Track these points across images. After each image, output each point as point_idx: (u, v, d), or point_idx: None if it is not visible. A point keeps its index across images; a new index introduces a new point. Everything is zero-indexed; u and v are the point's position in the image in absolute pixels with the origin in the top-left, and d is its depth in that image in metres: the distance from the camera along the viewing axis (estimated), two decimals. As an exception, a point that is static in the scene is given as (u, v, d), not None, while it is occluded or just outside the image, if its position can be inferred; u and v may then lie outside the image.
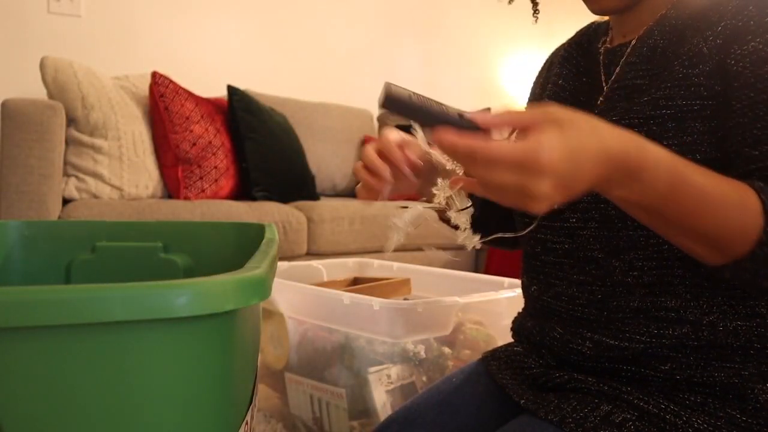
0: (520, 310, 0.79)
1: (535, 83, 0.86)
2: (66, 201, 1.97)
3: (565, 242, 0.67)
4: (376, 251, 2.39)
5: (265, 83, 2.89)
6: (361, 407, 1.10)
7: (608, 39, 0.74)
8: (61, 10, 2.53)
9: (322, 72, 3.28)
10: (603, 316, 0.63)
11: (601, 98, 0.69)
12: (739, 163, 0.56)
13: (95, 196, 2.03)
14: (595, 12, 0.69)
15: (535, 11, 0.80)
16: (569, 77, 0.75)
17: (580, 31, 0.82)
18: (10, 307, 0.33)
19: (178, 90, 2.27)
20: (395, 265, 1.56)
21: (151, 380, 0.38)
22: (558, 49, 0.84)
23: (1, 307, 0.33)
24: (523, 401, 0.67)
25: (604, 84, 0.70)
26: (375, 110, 3.34)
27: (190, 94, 2.32)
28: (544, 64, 0.86)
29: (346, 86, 3.33)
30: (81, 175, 2.02)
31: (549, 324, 0.69)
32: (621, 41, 0.71)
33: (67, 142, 2.01)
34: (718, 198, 0.51)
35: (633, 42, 0.68)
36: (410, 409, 0.76)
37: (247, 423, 0.48)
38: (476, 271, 2.66)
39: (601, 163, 0.47)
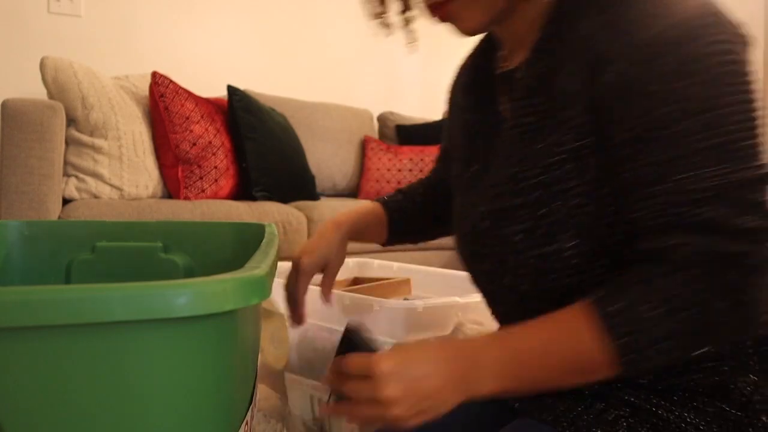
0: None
1: (447, 108, 0.85)
2: (66, 201, 1.97)
3: (507, 296, 0.67)
4: (376, 251, 2.39)
5: (265, 83, 2.89)
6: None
7: (503, 56, 0.72)
8: (61, 10, 2.53)
9: (322, 72, 3.28)
10: None
11: (499, 140, 0.67)
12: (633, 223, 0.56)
13: (95, 196, 2.03)
14: (465, 34, 0.65)
15: (411, 40, 0.78)
16: (473, 108, 0.74)
17: (479, 45, 0.79)
18: (10, 307, 0.33)
19: (178, 90, 2.27)
20: (395, 265, 1.56)
21: (151, 380, 0.38)
22: (460, 71, 0.82)
23: (1, 307, 0.33)
24: (517, 405, 0.67)
25: (504, 114, 0.68)
26: (375, 110, 3.34)
27: (190, 94, 2.32)
28: (451, 86, 0.84)
29: (346, 86, 3.33)
30: (81, 175, 2.02)
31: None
32: (510, 62, 0.69)
33: (67, 142, 2.01)
34: (558, 351, 0.54)
35: (520, 70, 0.65)
36: None
37: (247, 423, 0.48)
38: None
39: (441, 361, 0.55)
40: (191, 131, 2.24)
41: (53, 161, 1.90)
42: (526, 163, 0.61)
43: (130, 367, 0.37)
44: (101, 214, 1.92)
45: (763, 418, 0.56)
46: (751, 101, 0.52)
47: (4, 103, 1.86)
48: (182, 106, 2.25)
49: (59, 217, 1.90)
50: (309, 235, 2.28)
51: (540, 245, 0.60)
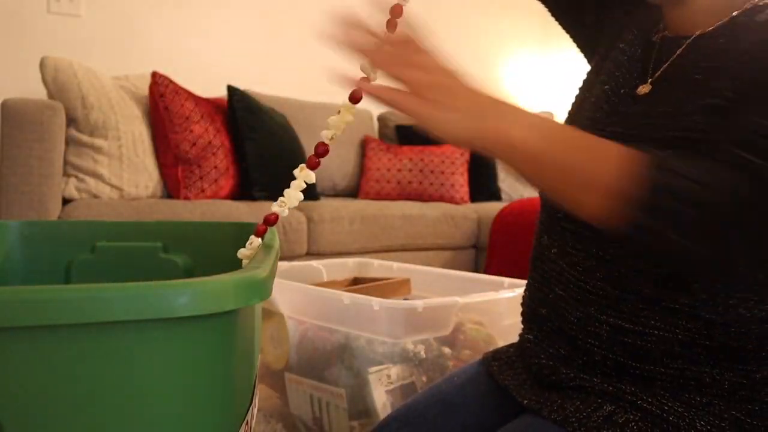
0: (526, 299, 0.77)
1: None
2: (66, 201, 1.97)
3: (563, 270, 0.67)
4: (376, 251, 2.39)
5: (265, 83, 2.88)
6: (361, 407, 1.10)
7: (662, 27, 0.72)
8: (61, 10, 2.53)
9: (322, 72, 3.27)
10: (617, 297, 0.62)
11: (644, 89, 0.68)
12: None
13: (95, 196, 2.03)
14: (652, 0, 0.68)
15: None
16: (624, 60, 0.74)
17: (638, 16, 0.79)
18: (10, 307, 0.33)
19: (178, 90, 2.27)
20: (395, 265, 1.56)
21: (151, 380, 0.38)
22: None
23: (1, 307, 0.33)
24: (526, 401, 0.67)
25: (650, 75, 0.69)
26: (375, 110, 3.34)
27: (190, 94, 2.32)
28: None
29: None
30: (81, 175, 2.02)
31: (564, 307, 0.68)
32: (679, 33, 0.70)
33: (67, 142, 2.01)
34: (587, 146, 0.54)
35: (688, 42, 0.66)
36: (411, 408, 0.76)
37: (247, 423, 0.48)
38: (476, 271, 2.66)
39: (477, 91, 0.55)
40: (191, 131, 2.24)
41: (53, 161, 1.90)
42: (670, 119, 0.63)
43: (130, 367, 0.37)
44: (101, 214, 1.92)
45: None
46: None
47: (4, 103, 1.86)
48: (182, 106, 2.25)
49: (59, 217, 1.90)
50: (309, 235, 2.28)
51: None
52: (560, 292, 0.68)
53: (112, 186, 2.06)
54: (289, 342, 1.23)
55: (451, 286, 1.39)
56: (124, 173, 2.09)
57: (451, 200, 2.84)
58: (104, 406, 0.37)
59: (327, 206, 2.36)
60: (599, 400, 0.61)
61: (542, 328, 0.72)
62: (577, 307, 0.66)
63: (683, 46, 0.67)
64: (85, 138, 2.03)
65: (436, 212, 2.59)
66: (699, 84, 0.62)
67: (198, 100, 2.34)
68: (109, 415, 0.37)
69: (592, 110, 0.72)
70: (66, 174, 2.00)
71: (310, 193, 2.63)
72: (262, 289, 0.41)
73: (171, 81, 2.26)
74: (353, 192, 3.05)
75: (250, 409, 0.50)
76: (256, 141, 2.42)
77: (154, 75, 2.23)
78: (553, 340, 0.69)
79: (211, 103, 2.41)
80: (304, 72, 3.21)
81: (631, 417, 0.58)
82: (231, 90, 2.46)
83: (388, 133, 3.26)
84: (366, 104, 3.63)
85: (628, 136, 0.62)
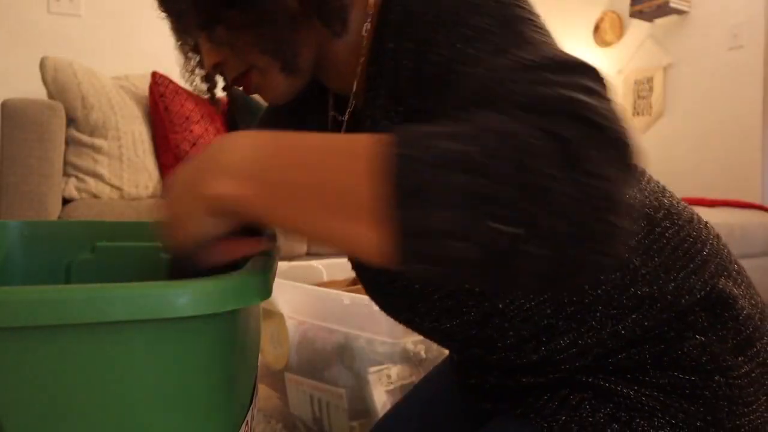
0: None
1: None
2: (66, 201, 1.97)
3: (435, 335, 0.65)
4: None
5: (265, 83, 2.88)
6: (361, 407, 1.10)
7: (331, 102, 0.68)
8: (61, 10, 2.53)
9: (322, 72, 3.28)
10: (518, 366, 0.62)
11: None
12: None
13: (95, 196, 2.03)
14: (278, 102, 0.62)
15: (211, 100, 0.75)
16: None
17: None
18: (11, 306, 0.33)
19: (178, 90, 2.27)
20: (395, 265, 1.56)
21: (152, 380, 0.38)
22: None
23: (1, 307, 0.33)
24: (489, 406, 0.67)
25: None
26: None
27: (190, 94, 2.32)
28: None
29: (346, 86, 3.33)
30: (81, 175, 2.02)
31: (480, 373, 0.68)
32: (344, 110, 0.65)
33: (67, 142, 2.01)
34: (324, 161, 0.38)
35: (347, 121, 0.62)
36: (399, 412, 0.77)
37: (247, 423, 0.48)
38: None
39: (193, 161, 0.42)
40: (191, 131, 2.24)
41: (53, 161, 1.90)
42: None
43: (130, 367, 0.37)
44: (101, 214, 1.92)
45: (716, 377, 0.55)
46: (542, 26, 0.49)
47: (4, 103, 1.86)
48: (182, 106, 2.25)
49: (59, 217, 1.89)
50: (309, 235, 2.28)
51: None
52: (467, 353, 0.67)
53: (112, 186, 2.06)
54: (289, 342, 1.23)
55: (451, 286, 1.39)
56: (124, 173, 2.09)
57: (451, 200, 2.84)
58: (104, 406, 0.37)
59: (327, 206, 2.36)
60: (554, 387, 0.61)
61: (465, 383, 0.71)
62: (491, 376, 0.66)
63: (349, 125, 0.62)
64: (85, 138, 2.03)
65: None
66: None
67: (198, 100, 2.34)
68: (109, 414, 0.37)
69: None
70: (66, 174, 2.00)
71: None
72: (262, 289, 0.41)
73: (171, 81, 2.26)
74: (353, 192, 3.05)
75: (250, 409, 0.50)
76: (256, 141, 2.42)
77: (154, 75, 2.23)
78: (481, 366, 0.68)
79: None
80: (304, 72, 3.21)
81: (585, 395, 0.58)
82: (231, 90, 2.46)
83: (388, 133, 3.26)
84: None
85: None
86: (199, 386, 0.40)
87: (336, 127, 0.68)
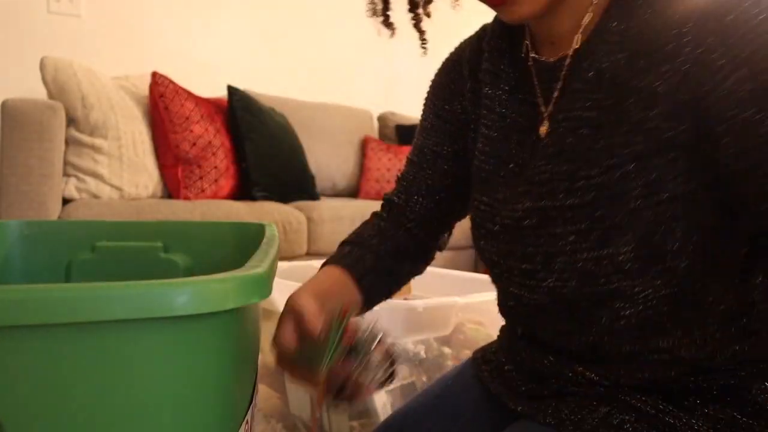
0: (501, 298, 0.73)
1: (443, 97, 0.79)
2: (66, 201, 1.97)
3: (543, 298, 0.62)
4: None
5: (265, 83, 2.89)
6: (361, 407, 1.10)
7: (530, 45, 0.66)
8: (61, 10, 2.53)
9: (322, 72, 3.28)
10: (595, 358, 0.61)
11: (544, 128, 0.62)
12: (749, 219, 0.53)
13: (95, 196, 2.03)
14: (510, 22, 0.60)
15: (423, 42, 0.76)
16: (506, 101, 0.67)
17: (493, 31, 0.72)
18: (10, 306, 0.33)
19: (178, 90, 2.27)
20: (395, 265, 1.55)
21: (152, 379, 0.38)
22: (468, 54, 0.76)
23: (1, 306, 0.33)
24: (520, 408, 0.66)
25: (542, 107, 0.63)
26: (375, 110, 3.34)
27: (190, 94, 2.32)
28: (448, 70, 0.79)
29: (346, 86, 3.33)
30: (81, 175, 2.02)
31: (542, 354, 0.66)
32: (551, 54, 0.64)
33: (67, 142, 2.01)
34: None
35: (568, 60, 0.61)
36: (407, 415, 0.76)
37: (247, 423, 0.48)
38: (476, 271, 2.66)
39: None
40: (191, 131, 2.24)
41: (53, 161, 1.90)
42: (584, 162, 0.57)
43: (130, 366, 0.37)
44: (101, 214, 1.92)
45: None
46: None
47: (4, 103, 1.86)
48: (182, 106, 2.25)
49: (59, 217, 1.89)
50: (309, 235, 2.28)
51: (594, 248, 0.56)
52: (535, 347, 0.67)
53: (112, 186, 2.06)
54: (289, 342, 1.22)
55: (451, 286, 1.39)
56: (124, 173, 2.09)
57: (451, 200, 2.84)
58: (104, 405, 0.37)
59: (327, 206, 2.36)
60: (594, 402, 0.60)
61: (521, 365, 0.70)
62: (552, 357, 0.65)
63: (564, 76, 0.61)
64: (85, 138, 2.03)
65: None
66: (624, 92, 0.55)
67: (198, 100, 2.34)
68: (109, 413, 0.37)
69: (504, 184, 0.65)
70: (66, 174, 2.00)
71: (310, 193, 2.63)
72: (262, 288, 0.41)
73: (171, 81, 2.26)
74: (353, 192, 3.05)
75: (250, 409, 0.50)
76: (256, 141, 2.42)
77: (154, 75, 2.23)
78: (533, 375, 0.68)
79: (211, 104, 2.41)
80: (304, 72, 3.22)
81: (627, 417, 0.58)
82: (231, 90, 2.46)
83: (388, 133, 3.26)
84: (366, 104, 3.61)
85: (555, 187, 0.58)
86: (199, 385, 0.40)
87: (532, 73, 0.65)
